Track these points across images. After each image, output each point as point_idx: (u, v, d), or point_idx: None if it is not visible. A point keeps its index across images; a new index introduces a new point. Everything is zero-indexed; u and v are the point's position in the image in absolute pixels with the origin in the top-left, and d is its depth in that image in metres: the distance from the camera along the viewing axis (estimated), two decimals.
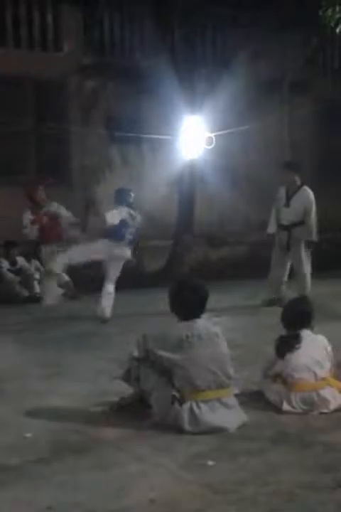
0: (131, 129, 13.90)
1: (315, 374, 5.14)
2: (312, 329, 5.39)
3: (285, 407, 5.06)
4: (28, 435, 4.67)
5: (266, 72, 15.30)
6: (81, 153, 14.19)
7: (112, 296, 9.14)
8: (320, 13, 11.25)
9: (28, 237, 11.08)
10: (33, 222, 10.99)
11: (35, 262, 11.97)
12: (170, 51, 13.72)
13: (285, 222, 10.15)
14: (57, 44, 14.10)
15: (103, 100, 14.48)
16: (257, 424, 4.80)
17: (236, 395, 4.97)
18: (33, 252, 11.80)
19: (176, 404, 4.65)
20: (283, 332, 5.41)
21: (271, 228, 10.37)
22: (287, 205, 10.16)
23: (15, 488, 3.84)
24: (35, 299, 11.29)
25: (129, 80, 13.95)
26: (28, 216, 11.01)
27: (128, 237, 9.08)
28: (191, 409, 4.65)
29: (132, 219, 9.13)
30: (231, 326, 8.11)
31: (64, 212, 10.90)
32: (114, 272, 9.13)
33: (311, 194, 10.15)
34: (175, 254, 13.92)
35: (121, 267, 9.16)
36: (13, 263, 11.75)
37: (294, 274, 10.24)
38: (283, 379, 5.19)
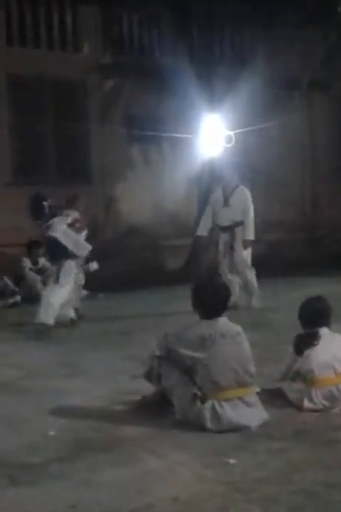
0: (150, 128, 13.93)
1: (335, 369, 5.13)
2: (329, 327, 5.38)
3: (306, 404, 5.05)
4: (51, 433, 4.71)
5: (285, 70, 15.27)
6: (101, 153, 14.24)
7: None
8: (339, 9, 11.22)
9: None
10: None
11: None
12: (188, 50, 13.76)
13: (225, 223, 10.01)
14: (76, 44, 14.17)
15: (122, 99, 14.52)
16: (278, 422, 4.80)
17: (257, 393, 4.98)
18: None
19: (198, 402, 4.67)
20: (301, 331, 5.41)
21: (202, 230, 10.24)
22: (226, 204, 10.01)
23: (38, 486, 3.86)
24: None
25: (148, 79, 13.99)
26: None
27: None
28: (213, 408, 4.65)
29: None
30: (250, 324, 8.09)
31: None
32: None
33: (249, 194, 10.04)
34: (195, 252, 13.92)
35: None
36: (35, 263, 11.86)
37: (238, 275, 10.07)
38: (302, 377, 5.19)
